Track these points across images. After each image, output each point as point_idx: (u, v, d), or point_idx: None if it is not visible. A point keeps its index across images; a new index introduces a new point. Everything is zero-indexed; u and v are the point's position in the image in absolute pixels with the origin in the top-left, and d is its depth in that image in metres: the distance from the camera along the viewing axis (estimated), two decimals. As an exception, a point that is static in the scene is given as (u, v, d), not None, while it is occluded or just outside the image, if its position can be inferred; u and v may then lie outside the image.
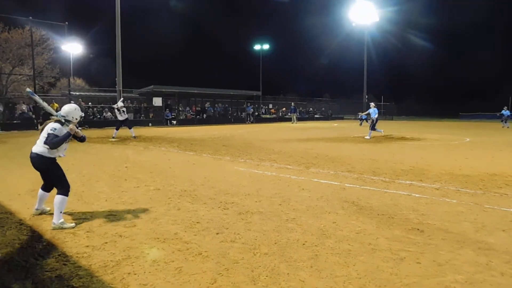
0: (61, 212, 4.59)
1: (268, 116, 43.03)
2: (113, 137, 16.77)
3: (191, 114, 36.85)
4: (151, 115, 33.07)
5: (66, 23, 26.12)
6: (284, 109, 44.75)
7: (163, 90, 32.75)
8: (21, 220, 4.87)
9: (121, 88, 29.65)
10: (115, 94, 30.98)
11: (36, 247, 3.96)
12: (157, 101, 32.70)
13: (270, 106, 45.71)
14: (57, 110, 4.91)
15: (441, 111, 54.39)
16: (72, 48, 30.98)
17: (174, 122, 32.84)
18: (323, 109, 52.51)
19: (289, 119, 38.71)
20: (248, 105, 40.33)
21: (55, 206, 4.57)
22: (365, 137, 17.61)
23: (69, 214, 5.09)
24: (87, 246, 3.96)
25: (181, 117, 34.57)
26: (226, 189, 6.65)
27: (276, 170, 8.59)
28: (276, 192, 6.45)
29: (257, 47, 54.84)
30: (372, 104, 18.39)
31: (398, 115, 49.80)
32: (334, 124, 36.90)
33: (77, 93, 30.54)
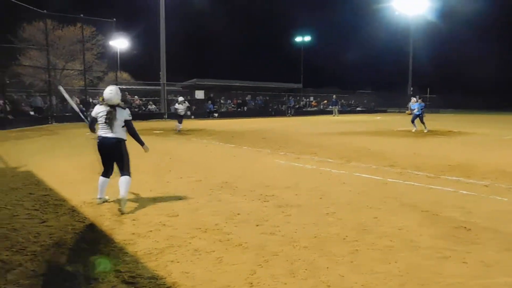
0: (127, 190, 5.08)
1: (309, 109, 42.60)
2: (178, 130, 17.08)
3: (232, 107, 37.21)
4: (193, 107, 33.73)
5: (114, 19, 27.14)
6: (325, 101, 44.10)
7: (205, 83, 33.30)
8: (73, 206, 5.17)
9: (165, 82, 30.47)
10: (159, 87, 31.89)
11: (87, 232, 4.20)
12: (199, 94, 33.29)
13: (311, 98, 45.19)
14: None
15: (492, 104, 51.34)
16: (119, 43, 32.16)
17: (216, 114, 33.30)
18: (365, 101, 51.24)
19: (330, 112, 38.13)
20: (289, 98, 40.13)
21: (124, 184, 5.01)
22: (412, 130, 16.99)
23: (116, 202, 5.34)
24: (133, 234, 4.15)
25: (222, 110, 35.01)
26: (265, 181, 6.70)
27: (316, 164, 8.53)
28: (316, 185, 6.42)
29: (298, 39, 54.27)
30: (413, 98, 17.56)
31: (445, 108, 47.58)
32: (377, 117, 35.95)
33: (124, 87, 31.69)
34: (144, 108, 31.29)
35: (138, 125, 21.10)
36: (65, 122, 23.08)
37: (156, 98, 32.38)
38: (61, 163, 8.69)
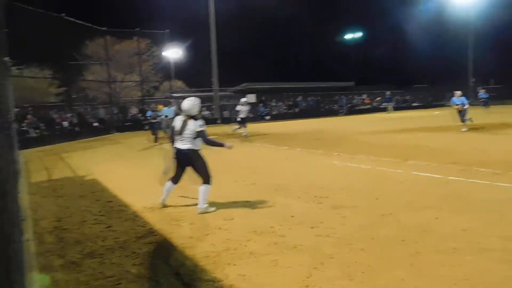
0: (205, 199, 5.27)
1: (362, 107, 41.48)
2: (245, 136, 16.31)
3: (284, 109, 37.19)
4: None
5: (167, 30, 28.37)
6: (378, 98, 42.71)
7: (256, 86, 33.62)
8: (135, 212, 5.46)
9: (217, 88, 31.17)
10: (212, 93, 32.68)
11: (148, 237, 4.41)
12: (251, 98, 33.63)
13: (364, 96, 43.99)
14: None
15: None
16: (173, 53, 33.41)
17: (268, 117, 33.46)
18: (421, 96, 48.89)
19: (385, 109, 36.87)
20: (341, 96, 39.37)
21: (201, 193, 5.24)
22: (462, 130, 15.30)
23: (173, 207, 5.56)
24: (191, 237, 4.30)
25: (274, 112, 35.13)
26: (319, 183, 6.64)
27: (372, 163, 8.30)
28: (372, 186, 6.25)
29: (348, 36, 53.09)
30: (457, 92, 15.49)
31: (512, 99, 44.04)
32: (435, 112, 34.17)
33: (178, 94, 32.81)
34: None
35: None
36: (126, 131, 24.36)
37: (209, 104, 33.19)
38: (123, 171, 9.20)
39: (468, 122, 14.70)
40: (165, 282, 3.22)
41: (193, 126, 5.23)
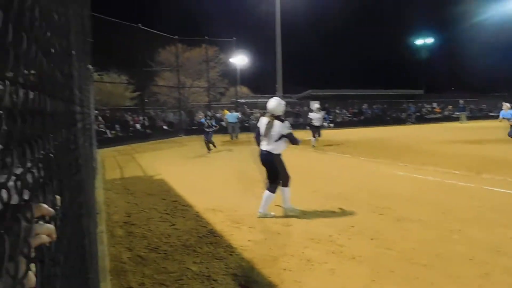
0: (288, 204, 5.36)
1: (432, 116, 39.35)
2: (313, 145, 14.95)
3: (348, 116, 36.43)
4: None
5: (234, 38, 29.21)
6: (450, 107, 40.25)
7: (320, 94, 33.34)
8: (198, 212, 5.69)
9: (281, 94, 31.35)
10: (276, 100, 32.92)
11: (209, 236, 4.58)
12: (315, 105, 33.40)
13: (434, 105, 41.67)
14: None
15: None
16: (239, 60, 34.25)
17: (331, 125, 32.99)
18: (499, 105, 45.20)
19: (457, 119, 34.64)
20: (409, 104, 37.69)
21: (285, 195, 5.31)
22: None
23: (234, 210, 5.70)
24: (249, 240, 4.39)
25: (337, 120, 34.54)
26: (382, 193, 6.43)
27: (440, 175, 7.86)
28: (439, 199, 5.93)
29: (419, 41, 50.68)
30: (506, 104, 13.38)
31: None
32: (517, 123, 31.40)
33: (243, 100, 33.55)
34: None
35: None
36: (192, 134, 25.33)
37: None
38: (188, 173, 9.59)
39: None
40: (223, 281, 3.33)
41: (279, 128, 5.11)
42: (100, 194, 7.10)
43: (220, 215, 5.49)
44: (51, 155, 0.79)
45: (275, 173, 5.21)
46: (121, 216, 5.63)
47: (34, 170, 0.62)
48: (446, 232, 4.41)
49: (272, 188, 5.23)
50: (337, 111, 36.01)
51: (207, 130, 13.51)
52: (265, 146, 5.22)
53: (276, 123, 5.13)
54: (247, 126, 28.32)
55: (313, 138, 15.04)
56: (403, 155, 11.31)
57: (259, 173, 8.35)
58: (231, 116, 22.23)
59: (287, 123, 5.17)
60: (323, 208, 5.68)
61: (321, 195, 6.52)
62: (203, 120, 14.03)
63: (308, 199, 6.26)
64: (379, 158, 10.91)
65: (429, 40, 49.95)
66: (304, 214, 5.38)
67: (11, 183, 0.49)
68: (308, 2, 34.40)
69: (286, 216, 5.31)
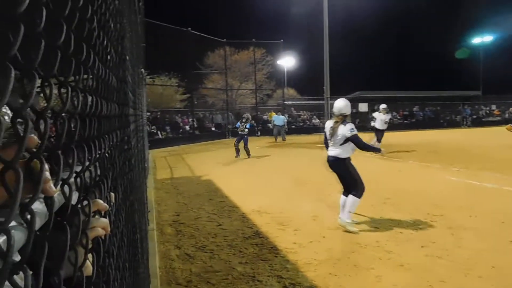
0: (350, 212, 4.83)
1: (490, 118, 37.09)
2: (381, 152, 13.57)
3: (398, 119, 35.26)
4: (357, 120, 33.30)
5: (282, 40, 29.30)
6: (511, 109, 37.74)
7: (369, 95, 32.56)
8: (244, 213, 5.76)
9: (328, 96, 30.98)
10: (323, 101, 32.59)
11: (254, 238, 4.62)
12: (363, 107, 32.67)
13: (493, 107, 39.24)
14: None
15: None
16: (286, 61, 34.28)
17: (380, 127, 32.12)
18: None
19: (520, 122, 32.40)
20: (465, 107, 35.78)
21: (347, 203, 4.83)
22: None
23: (280, 212, 5.71)
24: (294, 243, 4.38)
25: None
26: (434, 199, 6.16)
27: (499, 182, 7.38)
28: (497, 207, 5.58)
29: (476, 40, 47.84)
30: None
31: None
32: None
33: (290, 102, 33.53)
34: (308, 123, 32.41)
35: (302, 138, 21.13)
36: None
37: (320, 112, 33.15)
38: (235, 174, 9.73)
39: None
40: (267, 283, 3.35)
41: (343, 130, 4.83)
42: (151, 193, 7.39)
43: (265, 217, 5.52)
44: (106, 155, 0.85)
45: (349, 178, 4.93)
46: (171, 215, 5.83)
47: (92, 169, 0.67)
48: (505, 242, 4.15)
49: (356, 192, 4.84)
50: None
51: (240, 133, 13.06)
52: (331, 150, 5.02)
53: (340, 126, 4.88)
54: (294, 128, 28.25)
55: (375, 140, 13.17)
56: (456, 160, 10.75)
57: (306, 175, 8.30)
58: (278, 119, 22.24)
59: (350, 125, 4.85)
60: (371, 212, 5.54)
61: (370, 200, 6.33)
62: (238, 124, 13.53)
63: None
64: (430, 162, 10.45)
65: (488, 38, 47.08)
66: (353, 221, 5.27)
67: (71, 180, 0.54)
68: (358, 1, 33.72)
69: (333, 219, 5.23)
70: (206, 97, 29.82)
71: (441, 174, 8.58)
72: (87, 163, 0.63)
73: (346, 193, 4.96)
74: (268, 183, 8.21)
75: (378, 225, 4.96)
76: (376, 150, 5.23)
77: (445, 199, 6.15)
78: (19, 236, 0.34)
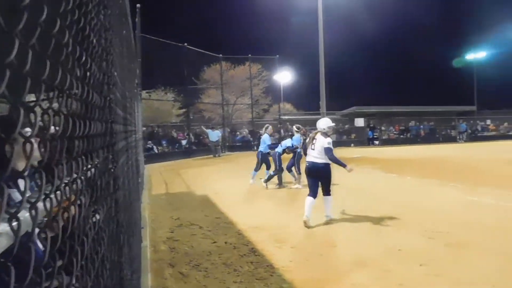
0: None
1: (485, 133, 37.26)
2: None
3: (394, 134, 35.36)
4: (353, 135, 33.36)
5: (277, 56, 29.50)
6: (506, 124, 37.96)
7: (365, 110, 32.69)
8: (239, 230, 5.65)
9: (324, 111, 31.07)
10: (319, 117, 32.68)
11: (250, 255, 4.52)
12: (359, 122, 32.77)
13: (488, 122, 39.48)
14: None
15: None
16: (282, 77, 34.49)
17: (377, 142, 32.13)
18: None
19: (515, 136, 32.53)
20: (460, 122, 35.96)
21: (329, 202, 6.00)
22: None
23: (277, 227, 5.61)
24: (291, 261, 4.28)
25: (383, 137, 33.61)
26: (432, 216, 6.08)
27: (498, 198, 7.32)
28: (497, 224, 5.50)
29: (469, 56, 48.26)
30: None
31: None
32: None
33: (286, 117, 33.54)
34: (305, 137, 32.48)
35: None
36: (236, 151, 25.59)
37: (314, 128, 33.29)
38: (232, 189, 9.62)
39: None
40: (262, 303, 3.25)
41: (321, 141, 5.79)
42: (146, 209, 7.28)
43: (262, 234, 5.42)
44: (82, 177, 0.79)
45: (329, 182, 5.95)
46: (165, 232, 5.72)
47: (52, 197, 0.61)
48: (506, 260, 4.06)
49: (329, 192, 5.96)
50: (383, 128, 35.11)
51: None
52: (310, 157, 5.92)
53: (320, 136, 5.86)
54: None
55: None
56: (454, 175, 10.70)
57: (305, 191, 8.20)
58: (212, 134, 22.21)
59: (329, 139, 5.82)
60: (369, 229, 5.46)
61: (367, 216, 6.27)
62: (293, 141, 10.63)
63: (352, 219, 6.06)
64: (428, 178, 10.40)
65: (481, 55, 47.63)
66: (348, 235, 5.19)
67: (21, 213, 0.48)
68: (353, 17, 34.15)
69: (331, 236, 5.15)
70: (202, 111, 29.84)
71: (439, 190, 8.53)
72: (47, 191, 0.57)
73: (313, 195, 5.78)
74: (266, 199, 8.12)
75: (376, 242, 4.87)
76: (343, 165, 5.83)
77: (444, 215, 6.08)
78: None
